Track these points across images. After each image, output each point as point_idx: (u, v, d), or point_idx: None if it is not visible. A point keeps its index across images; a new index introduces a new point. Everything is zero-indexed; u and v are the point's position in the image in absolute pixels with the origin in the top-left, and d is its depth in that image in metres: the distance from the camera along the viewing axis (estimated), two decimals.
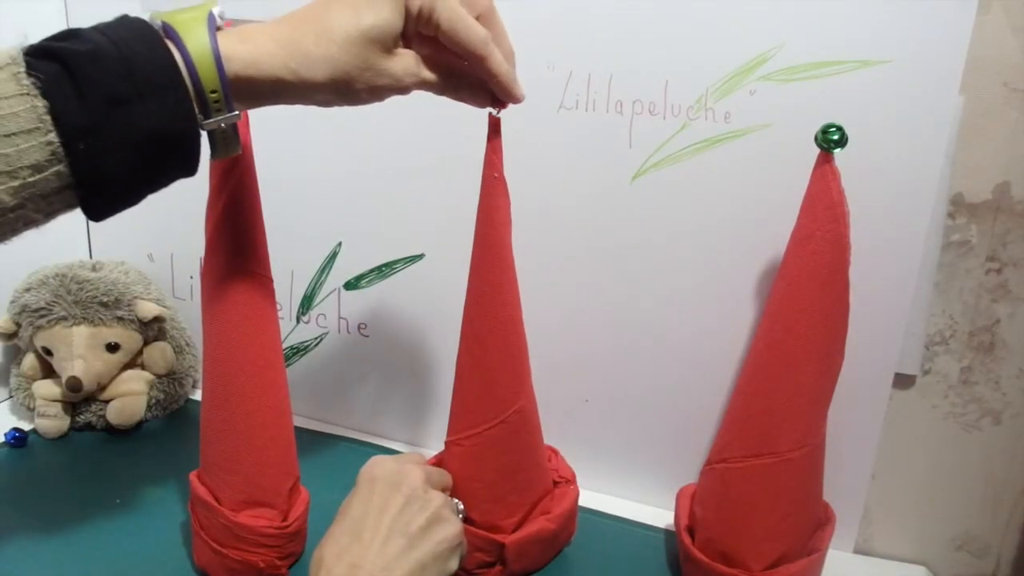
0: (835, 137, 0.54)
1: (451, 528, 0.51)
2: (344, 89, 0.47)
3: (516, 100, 0.52)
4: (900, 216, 0.61)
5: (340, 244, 0.81)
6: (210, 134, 0.45)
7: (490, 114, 0.55)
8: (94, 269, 0.83)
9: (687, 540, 0.63)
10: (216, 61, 0.42)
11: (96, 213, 0.42)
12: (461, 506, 0.59)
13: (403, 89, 0.49)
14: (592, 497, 0.75)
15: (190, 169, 0.43)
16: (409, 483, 0.52)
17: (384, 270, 0.80)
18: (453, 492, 0.61)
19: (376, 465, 0.53)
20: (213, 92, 0.42)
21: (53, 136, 0.38)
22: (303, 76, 0.45)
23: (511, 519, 0.63)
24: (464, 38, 0.48)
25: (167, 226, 0.85)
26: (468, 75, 0.52)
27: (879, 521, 0.71)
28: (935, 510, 0.69)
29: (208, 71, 0.41)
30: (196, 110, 0.42)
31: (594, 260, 0.71)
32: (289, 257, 0.82)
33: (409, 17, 0.47)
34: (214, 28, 0.43)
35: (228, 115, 0.43)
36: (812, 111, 0.60)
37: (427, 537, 0.49)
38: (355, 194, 0.79)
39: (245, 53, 0.43)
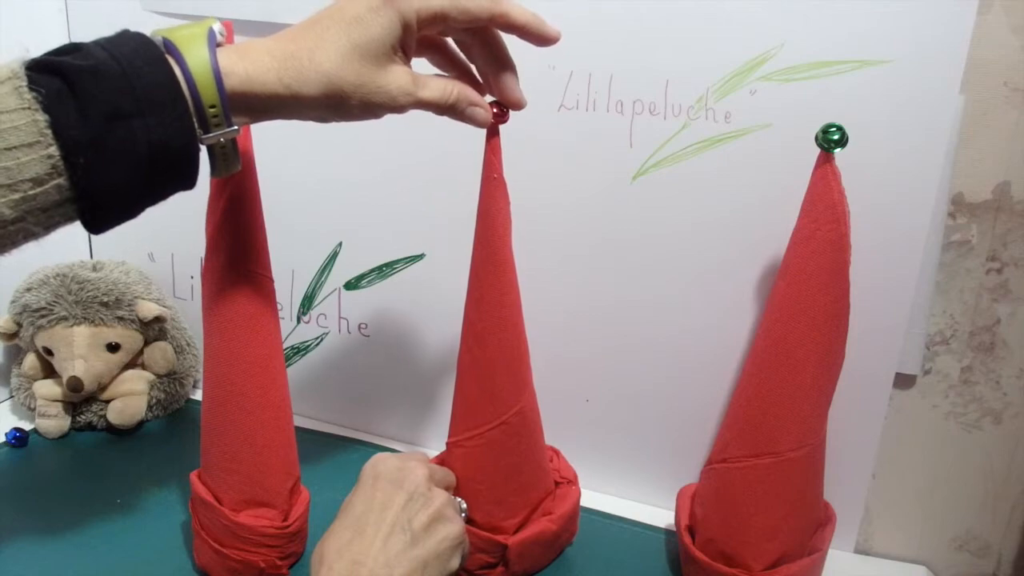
0: (835, 137, 0.54)
1: (453, 527, 0.51)
2: (338, 105, 0.47)
3: (552, 40, 0.52)
4: (900, 216, 0.61)
5: (340, 244, 0.81)
6: (210, 150, 0.45)
7: (492, 115, 0.55)
8: (95, 269, 0.83)
9: (688, 540, 0.63)
10: (216, 77, 0.42)
11: (96, 226, 0.42)
12: (464, 505, 0.59)
13: (398, 108, 0.49)
14: (593, 497, 0.75)
15: (189, 183, 0.44)
16: (412, 480, 0.52)
17: (384, 270, 0.80)
18: (455, 492, 0.61)
19: (379, 462, 0.53)
20: (212, 107, 0.42)
21: (54, 150, 0.38)
22: (297, 91, 0.45)
23: (513, 520, 0.63)
24: (474, 7, 0.48)
25: (168, 226, 0.85)
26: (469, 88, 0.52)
27: (879, 521, 0.71)
28: (935, 510, 0.69)
29: (208, 87, 0.42)
30: (196, 125, 0.42)
31: (594, 260, 0.71)
32: (290, 257, 0.82)
33: (408, 28, 0.47)
34: (214, 44, 0.43)
35: (227, 130, 0.44)
36: (812, 111, 0.60)
37: (429, 535, 0.49)
38: (356, 194, 0.79)
39: (242, 69, 0.43)
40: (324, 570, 0.46)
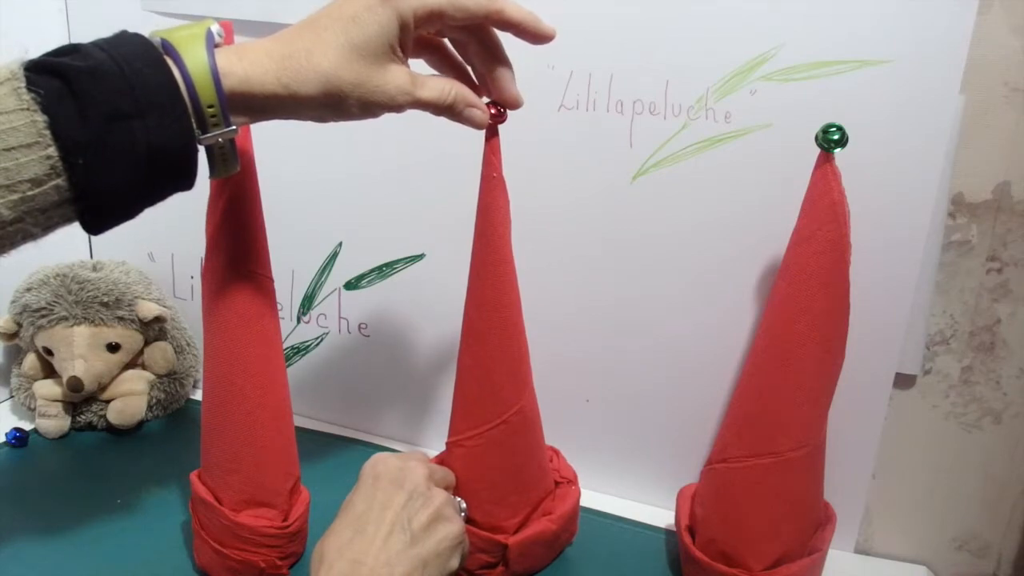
0: (835, 137, 0.54)
1: (453, 526, 0.51)
2: (336, 105, 0.47)
3: (548, 38, 0.52)
4: (900, 216, 0.61)
5: (340, 244, 0.81)
6: (208, 150, 0.45)
7: (490, 115, 0.55)
8: (95, 269, 0.83)
9: (688, 540, 0.63)
10: (214, 78, 0.42)
11: (94, 227, 0.42)
12: (464, 504, 0.59)
13: (396, 108, 0.49)
14: (593, 497, 0.75)
15: (188, 184, 0.44)
16: (412, 480, 0.52)
17: (384, 270, 0.80)
18: (455, 492, 0.61)
19: (379, 462, 0.54)
20: (211, 108, 0.42)
21: (52, 151, 0.38)
22: (295, 91, 0.45)
23: (513, 520, 0.63)
24: (471, 4, 0.48)
25: (168, 226, 0.85)
26: (468, 90, 0.52)
27: (879, 521, 0.71)
28: (936, 510, 0.69)
29: (206, 87, 0.42)
30: (194, 126, 0.42)
31: (594, 260, 0.71)
32: (290, 257, 0.82)
33: (405, 27, 0.47)
34: (212, 45, 0.43)
35: (225, 130, 0.44)
36: (812, 111, 0.60)
37: (429, 534, 0.50)
38: (356, 194, 0.79)
39: (241, 69, 0.43)
40: (324, 569, 0.46)
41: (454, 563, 0.51)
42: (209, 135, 0.43)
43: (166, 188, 0.43)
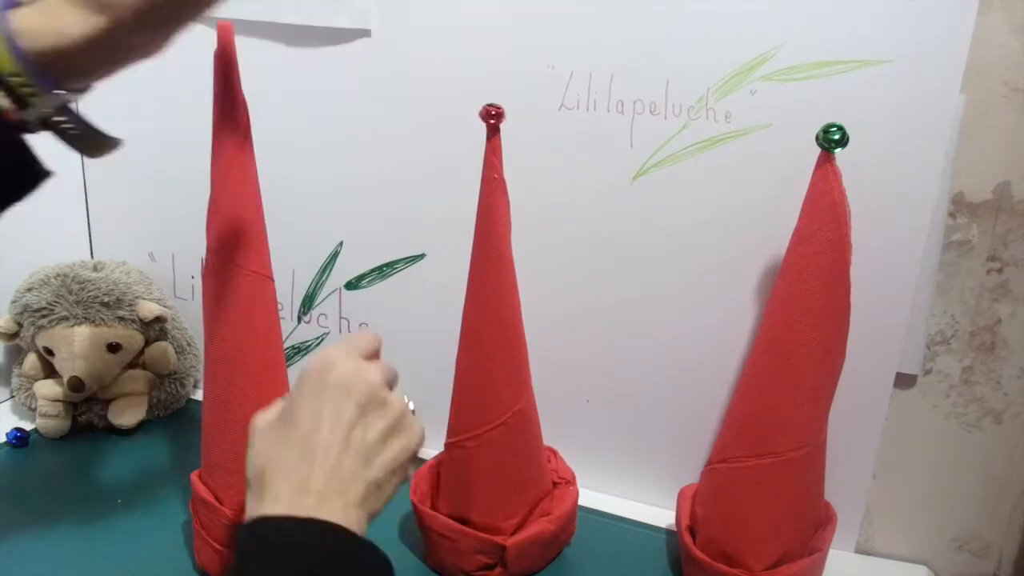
0: (836, 137, 0.54)
1: (410, 439, 0.44)
2: (152, 13, 0.38)
3: None
4: (901, 216, 0.61)
5: (341, 244, 0.81)
6: (54, 130, 0.39)
7: (488, 117, 0.55)
8: (95, 269, 0.83)
9: (688, 540, 0.63)
10: (7, 41, 0.36)
11: None
12: (412, 406, 0.48)
13: None
14: (593, 497, 0.75)
15: (32, 179, 0.37)
16: (366, 389, 0.43)
17: (385, 270, 0.80)
18: (455, 496, 0.61)
19: (328, 368, 0.43)
20: (15, 76, 0.36)
21: None
22: (111, 21, 0.37)
23: (511, 520, 0.63)
24: None
25: (168, 226, 0.85)
26: None
27: (880, 521, 0.71)
28: (936, 510, 0.69)
29: (1, 54, 0.36)
30: (8, 104, 0.36)
31: (595, 260, 0.71)
32: (290, 257, 0.82)
33: None
34: (3, 7, 0.37)
35: (49, 98, 0.37)
36: (813, 111, 0.60)
37: (384, 451, 0.43)
38: (356, 194, 0.79)
39: (47, 25, 0.37)
40: (269, 497, 0.39)
41: (411, 472, 0.45)
42: (32, 110, 0.37)
43: (5, 190, 0.37)
